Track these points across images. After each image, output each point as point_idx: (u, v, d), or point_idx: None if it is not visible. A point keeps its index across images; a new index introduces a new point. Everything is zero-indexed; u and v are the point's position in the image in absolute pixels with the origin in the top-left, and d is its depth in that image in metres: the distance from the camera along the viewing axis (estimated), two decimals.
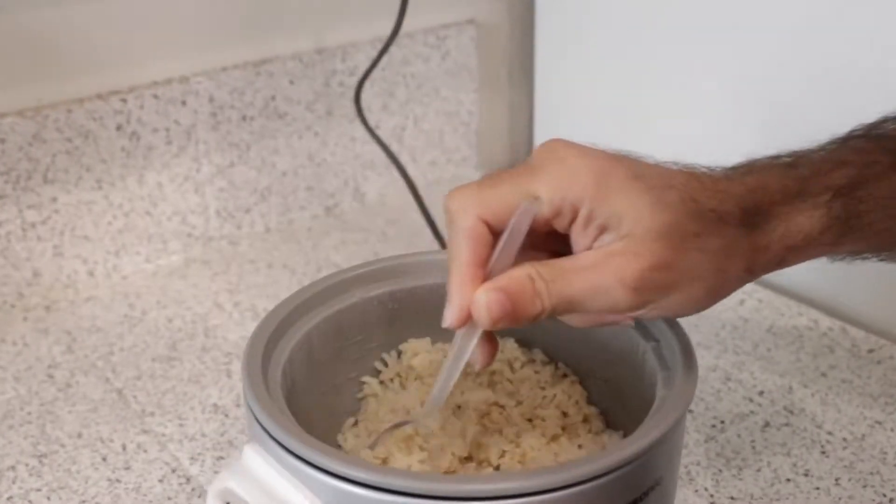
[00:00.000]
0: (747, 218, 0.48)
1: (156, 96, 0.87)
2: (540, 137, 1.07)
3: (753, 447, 0.68)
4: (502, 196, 0.47)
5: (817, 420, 0.70)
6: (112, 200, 0.87)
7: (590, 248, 0.47)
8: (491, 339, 0.50)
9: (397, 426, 0.53)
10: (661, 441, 0.46)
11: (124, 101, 0.86)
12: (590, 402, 0.58)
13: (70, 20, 0.83)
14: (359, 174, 1.01)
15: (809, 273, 0.85)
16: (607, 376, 0.57)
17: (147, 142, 0.88)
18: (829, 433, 0.69)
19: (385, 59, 0.96)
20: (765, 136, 0.88)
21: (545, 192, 0.46)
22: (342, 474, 0.44)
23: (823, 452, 0.67)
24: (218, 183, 0.93)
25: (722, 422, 0.70)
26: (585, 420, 0.57)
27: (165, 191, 0.90)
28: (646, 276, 0.46)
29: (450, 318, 0.47)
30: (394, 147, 1.01)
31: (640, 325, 0.54)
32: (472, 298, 0.46)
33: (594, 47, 0.98)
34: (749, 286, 0.85)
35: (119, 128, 0.86)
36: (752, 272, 0.49)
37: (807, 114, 0.81)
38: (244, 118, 0.92)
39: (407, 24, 0.92)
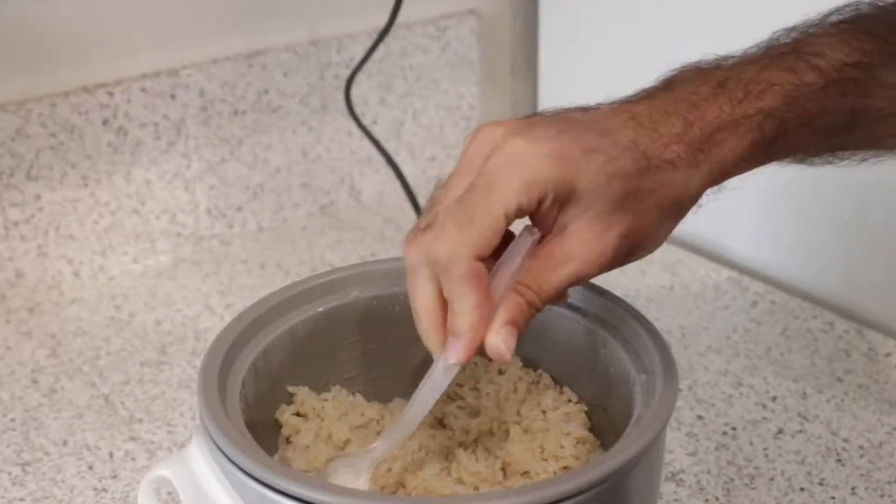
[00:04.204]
0: (693, 156, 0.51)
1: (144, 89, 0.87)
2: None
3: (766, 455, 0.68)
4: (485, 226, 0.49)
5: (832, 427, 0.70)
6: (98, 198, 0.88)
7: (551, 227, 0.51)
8: None
9: (345, 455, 0.54)
10: (627, 466, 0.46)
11: (111, 94, 0.86)
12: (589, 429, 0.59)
13: (54, 10, 0.83)
14: (355, 171, 1.02)
15: (824, 274, 0.86)
16: (606, 405, 0.58)
17: (135, 137, 0.88)
18: (845, 440, 0.69)
19: (382, 50, 0.96)
20: None
21: (515, 202, 0.49)
22: (271, 484, 0.45)
23: (839, 461, 0.67)
24: (208, 180, 0.93)
25: (734, 428, 0.70)
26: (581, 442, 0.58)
27: (154, 188, 0.90)
28: (617, 248, 0.50)
29: (462, 356, 0.50)
30: (392, 142, 1.02)
31: (633, 354, 0.55)
32: (484, 338, 0.50)
33: (599, 38, 0.98)
34: (762, 287, 0.86)
35: (105, 122, 0.86)
36: (699, 203, 0.53)
37: None
38: (236, 112, 0.93)
39: (405, 15, 0.92)
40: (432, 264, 0.50)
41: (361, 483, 0.52)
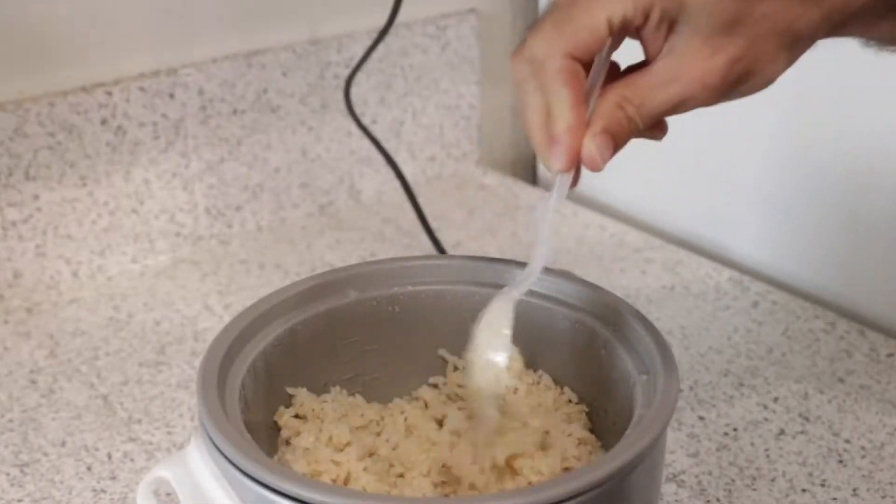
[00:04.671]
0: None
1: (143, 89, 0.87)
2: None
3: (768, 456, 0.68)
4: (582, 27, 0.49)
5: (834, 428, 0.70)
6: (97, 198, 0.88)
7: (661, 49, 0.49)
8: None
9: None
10: (626, 469, 0.46)
11: (109, 93, 0.86)
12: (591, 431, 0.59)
13: (53, 9, 0.83)
14: (354, 170, 1.02)
15: (826, 274, 0.86)
16: (606, 406, 0.58)
17: (133, 136, 0.88)
18: (847, 441, 0.69)
19: (382, 49, 0.96)
20: (774, 122, 0.89)
21: (620, 9, 0.48)
22: (270, 485, 0.45)
23: (841, 461, 0.67)
24: (207, 179, 0.93)
25: (735, 429, 0.70)
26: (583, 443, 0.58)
27: (153, 188, 0.90)
28: (727, 73, 0.49)
29: (563, 161, 0.49)
30: (391, 142, 1.02)
31: (634, 354, 0.55)
32: (581, 142, 0.49)
33: None
34: (763, 287, 0.86)
35: (104, 122, 0.86)
36: (814, 41, 0.51)
37: (818, 107, 0.81)
38: (235, 112, 0.93)
39: (405, 14, 0.92)
40: (532, 65, 0.49)
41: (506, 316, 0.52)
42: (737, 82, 0.50)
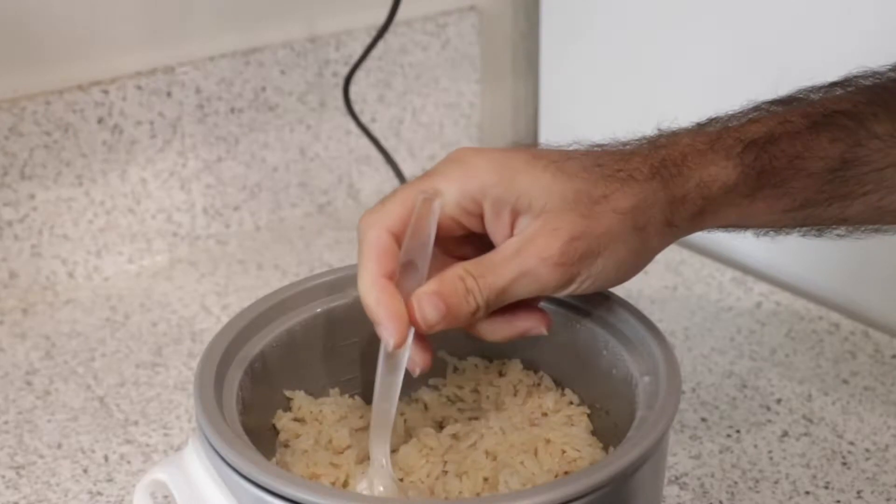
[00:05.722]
0: (657, 171, 0.51)
1: (139, 87, 0.87)
2: (545, 130, 1.07)
3: (771, 458, 0.68)
4: (402, 202, 0.50)
5: (838, 429, 0.70)
6: (93, 197, 0.88)
7: (510, 236, 0.50)
8: (422, 339, 0.52)
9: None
10: (626, 472, 0.46)
11: (106, 92, 0.86)
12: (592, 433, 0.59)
13: (49, 6, 0.83)
14: (353, 169, 1.02)
15: (829, 274, 0.86)
16: (608, 407, 0.58)
17: (130, 135, 0.88)
18: (851, 443, 0.69)
19: (381, 47, 0.97)
20: None
21: (445, 190, 0.50)
22: (268, 487, 0.45)
23: (845, 464, 0.67)
24: (205, 179, 0.93)
25: (738, 431, 0.70)
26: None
27: (149, 187, 0.90)
28: (566, 248, 0.49)
29: (390, 337, 0.49)
30: (391, 141, 1.02)
31: (636, 356, 0.55)
32: (399, 309, 0.49)
33: (602, 35, 0.98)
34: (766, 287, 0.86)
35: (100, 121, 0.86)
36: (673, 225, 0.51)
37: None
38: (232, 110, 0.93)
39: (405, 11, 0.92)
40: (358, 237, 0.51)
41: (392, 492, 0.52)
42: (580, 261, 0.49)
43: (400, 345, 0.49)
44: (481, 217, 0.51)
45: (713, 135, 0.52)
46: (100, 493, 0.66)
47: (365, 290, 0.50)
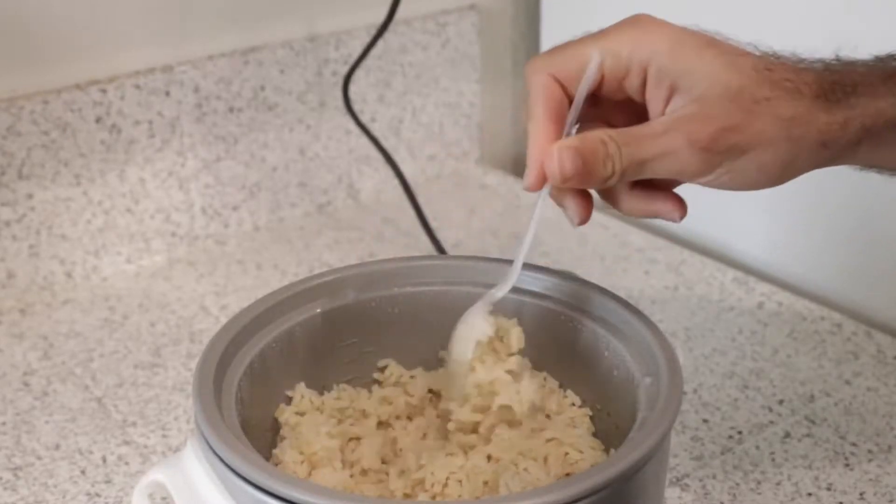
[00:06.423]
0: (825, 92, 0.50)
1: (138, 86, 0.87)
2: None
3: (773, 459, 0.68)
4: (572, 54, 0.51)
5: (841, 431, 0.70)
6: (91, 197, 0.88)
7: (663, 112, 0.50)
8: (585, 193, 0.52)
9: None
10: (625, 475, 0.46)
11: (104, 91, 0.86)
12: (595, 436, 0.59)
13: (46, 4, 0.83)
14: (353, 169, 1.02)
15: (832, 274, 0.86)
16: (609, 409, 0.58)
17: (128, 135, 0.88)
18: (854, 445, 0.69)
19: (381, 46, 0.97)
20: None
21: (615, 48, 0.50)
22: (267, 488, 0.45)
23: (847, 465, 0.67)
24: (204, 178, 0.93)
25: (739, 432, 0.70)
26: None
27: (148, 187, 0.90)
28: (716, 136, 0.49)
29: (528, 178, 0.50)
30: (391, 141, 1.02)
31: (637, 357, 0.55)
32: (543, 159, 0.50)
33: None
34: (768, 288, 0.86)
35: (99, 120, 0.86)
36: (827, 147, 0.51)
37: None
38: (231, 110, 0.93)
39: (405, 10, 0.92)
40: (525, 82, 0.51)
41: (482, 324, 0.53)
42: (727, 152, 0.49)
43: (532, 187, 0.50)
44: (643, 83, 0.51)
45: (890, 70, 0.51)
46: (98, 495, 0.66)
47: (530, 131, 0.50)
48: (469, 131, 1.08)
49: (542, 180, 0.50)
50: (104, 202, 0.88)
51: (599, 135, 0.50)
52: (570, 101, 0.52)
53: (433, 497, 0.53)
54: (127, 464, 0.69)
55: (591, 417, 0.58)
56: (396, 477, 0.54)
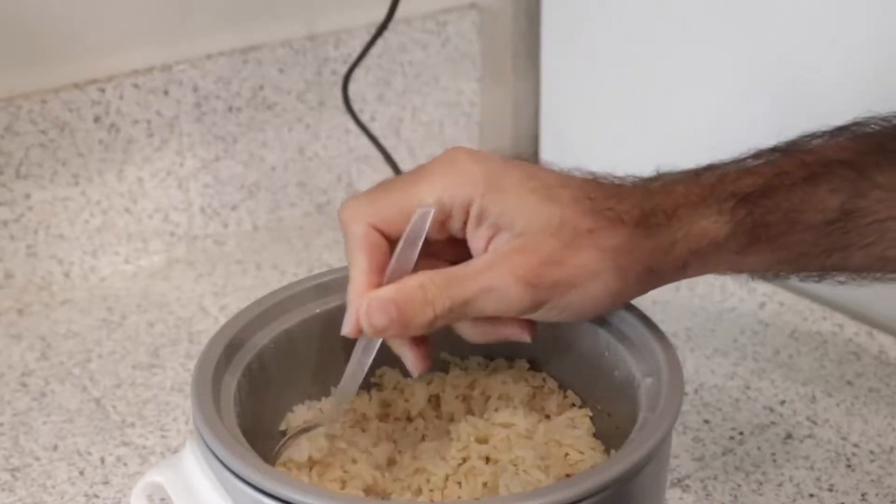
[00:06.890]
0: (646, 218, 0.50)
1: (136, 86, 0.87)
2: (546, 129, 1.07)
3: (774, 460, 0.68)
4: (393, 202, 0.50)
5: (842, 431, 0.70)
6: (89, 197, 0.87)
7: (486, 250, 0.50)
8: (420, 342, 0.52)
9: (305, 430, 0.54)
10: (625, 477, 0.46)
11: (102, 90, 0.86)
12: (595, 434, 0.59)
13: (45, 4, 0.83)
14: (353, 169, 1.02)
15: None
16: (610, 409, 0.58)
17: (127, 134, 0.88)
18: (855, 445, 0.69)
19: (381, 45, 0.96)
20: (775, 124, 0.88)
21: (435, 193, 0.50)
22: (266, 489, 0.45)
23: (849, 466, 0.67)
24: (202, 178, 0.93)
25: (741, 433, 0.70)
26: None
27: (146, 187, 0.90)
28: (539, 271, 0.48)
29: (345, 327, 0.50)
30: (390, 140, 1.02)
31: (638, 357, 0.54)
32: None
33: (603, 34, 0.98)
34: (769, 288, 0.86)
35: (97, 119, 0.86)
36: (654, 273, 0.51)
37: (814, 104, 0.81)
38: (230, 109, 0.93)
39: (404, 9, 0.92)
40: (342, 230, 0.51)
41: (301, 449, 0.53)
42: (552, 288, 0.49)
43: (352, 334, 0.50)
44: (465, 222, 0.51)
45: (707, 187, 0.51)
46: (96, 496, 0.66)
47: (351, 280, 0.51)
48: (469, 131, 1.08)
49: (360, 329, 0.50)
50: (102, 202, 0.88)
51: (418, 279, 0.49)
52: (392, 245, 0.51)
53: (432, 499, 0.53)
54: (125, 465, 0.69)
55: (592, 418, 0.58)
56: (396, 479, 0.54)
